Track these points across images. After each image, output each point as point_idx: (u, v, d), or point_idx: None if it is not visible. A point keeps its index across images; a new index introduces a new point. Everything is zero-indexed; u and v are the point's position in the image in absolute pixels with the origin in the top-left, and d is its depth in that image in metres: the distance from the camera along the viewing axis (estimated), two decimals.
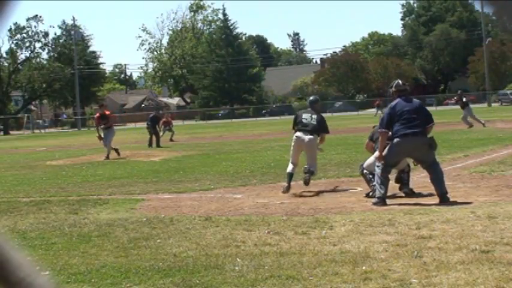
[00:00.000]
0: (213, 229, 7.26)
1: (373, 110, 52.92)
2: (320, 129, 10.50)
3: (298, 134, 10.42)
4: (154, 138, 26.25)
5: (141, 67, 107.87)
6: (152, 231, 7.32)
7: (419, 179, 10.99)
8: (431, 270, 4.95)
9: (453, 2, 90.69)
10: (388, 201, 8.71)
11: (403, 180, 9.37)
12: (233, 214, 8.28)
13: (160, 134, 29.63)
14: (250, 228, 7.16)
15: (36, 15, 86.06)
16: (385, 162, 8.68)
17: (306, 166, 10.32)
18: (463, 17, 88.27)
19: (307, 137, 10.31)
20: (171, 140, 29.71)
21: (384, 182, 8.62)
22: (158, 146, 25.66)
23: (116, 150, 20.23)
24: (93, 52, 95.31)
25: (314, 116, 10.50)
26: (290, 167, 10.39)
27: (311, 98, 11.30)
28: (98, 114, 21.03)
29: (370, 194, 9.17)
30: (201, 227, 7.47)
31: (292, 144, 10.59)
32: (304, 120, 10.47)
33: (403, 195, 9.20)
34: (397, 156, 8.79)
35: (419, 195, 9.12)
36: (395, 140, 8.68)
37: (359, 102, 78.93)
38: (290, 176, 10.23)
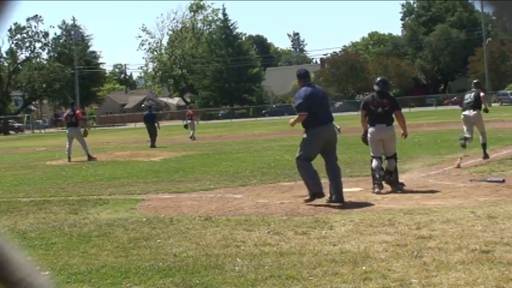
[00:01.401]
0: (213, 229, 7.26)
1: None
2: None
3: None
4: (151, 137, 25.78)
5: (141, 67, 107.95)
6: (152, 231, 7.32)
7: (420, 179, 11.00)
8: (431, 270, 4.95)
9: (453, 2, 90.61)
10: (388, 200, 8.72)
11: (393, 182, 9.63)
12: (233, 214, 8.28)
13: (191, 131, 30.43)
14: (250, 228, 7.16)
15: (36, 15, 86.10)
16: (305, 154, 8.82)
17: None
18: (463, 17, 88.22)
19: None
20: (194, 138, 30.10)
21: (314, 175, 8.72)
22: (153, 145, 25.17)
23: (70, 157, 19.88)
24: (93, 52, 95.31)
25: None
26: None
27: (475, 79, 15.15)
28: (74, 113, 20.18)
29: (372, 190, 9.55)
30: (201, 227, 7.47)
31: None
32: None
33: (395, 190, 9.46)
34: (318, 147, 8.85)
35: (409, 191, 9.30)
36: (315, 130, 8.71)
37: (359, 102, 78.60)
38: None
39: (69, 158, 19.89)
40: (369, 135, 9.89)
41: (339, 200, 8.56)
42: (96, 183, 13.23)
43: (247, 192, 10.50)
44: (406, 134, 10.29)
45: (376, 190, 9.45)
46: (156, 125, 25.97)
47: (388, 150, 9.81)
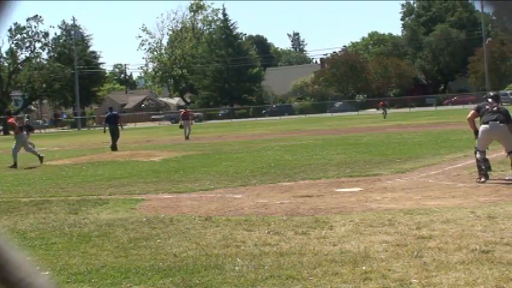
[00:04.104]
0: (213, 229, 7.25)
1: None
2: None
3: None
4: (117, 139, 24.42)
5: (141, 67, 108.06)
6: (152, 231, 7.32)
7: (420, 179, 11.00)
8: (431, 270, 4.95)
9: (453, 2, 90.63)
10: (388, 200, 8.72)
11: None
12: (233, 214, 8.28)
13: (187, 129, 30.81)
14: (250, 228, 7.16)
15: (36, 15, 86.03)
16: None
17: None
18: (463, 17, 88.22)
19: None
20: (187, 138, 30.51)
21: None
22: (114, 148, 23.92)
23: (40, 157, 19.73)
24: (93, 52, 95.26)
25: None
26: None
27: None
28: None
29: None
30: (201, 227, 7.47)
31: None
32: None
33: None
34: None
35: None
36: None
37: (359, 102, 78.95)
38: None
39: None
40: None
41: None
42: (96, 183, 13.22)
43: (247, 192, 10.50)
44: None
45: (482, 180, 9.95)
46: (119, 126, 24.97)
47: None
